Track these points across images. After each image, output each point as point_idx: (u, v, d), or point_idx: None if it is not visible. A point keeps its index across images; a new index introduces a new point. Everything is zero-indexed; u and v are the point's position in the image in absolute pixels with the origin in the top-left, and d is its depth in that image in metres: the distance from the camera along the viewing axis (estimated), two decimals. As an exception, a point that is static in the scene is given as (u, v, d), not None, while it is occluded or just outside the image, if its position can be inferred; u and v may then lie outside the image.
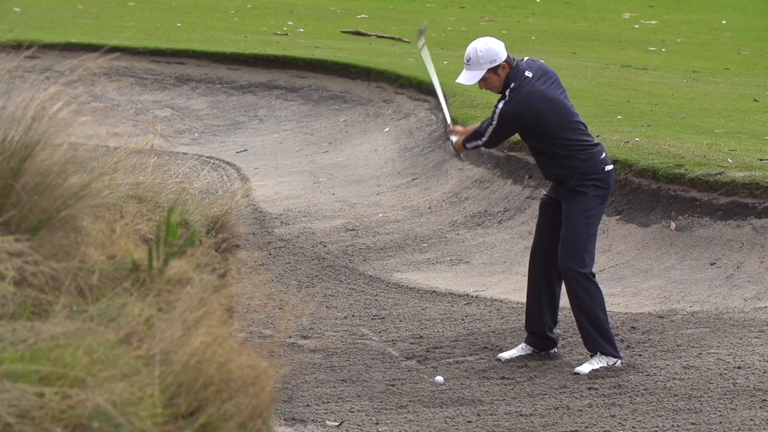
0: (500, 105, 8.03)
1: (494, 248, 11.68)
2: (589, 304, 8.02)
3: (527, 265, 8.55)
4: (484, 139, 8.10)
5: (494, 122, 8.03)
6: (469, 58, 8.00)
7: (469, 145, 8.23)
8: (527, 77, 8.00)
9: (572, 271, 8.02)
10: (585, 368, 8.02)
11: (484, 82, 8.05)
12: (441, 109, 8.53)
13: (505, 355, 8.36)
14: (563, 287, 8.28)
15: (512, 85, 7.99)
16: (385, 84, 18.58)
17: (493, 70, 7.98)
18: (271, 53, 21.01)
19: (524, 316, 8.48)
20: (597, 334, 8.04)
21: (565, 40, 26.07)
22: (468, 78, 8.03)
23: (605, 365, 8.02)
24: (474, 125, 8.32)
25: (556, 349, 8.40)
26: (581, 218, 8.04)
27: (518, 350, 8.39)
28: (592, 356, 8.09)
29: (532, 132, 8.13)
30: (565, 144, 8.05)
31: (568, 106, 8.09)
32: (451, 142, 8.31)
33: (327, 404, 7.44)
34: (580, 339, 8.48)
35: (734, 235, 10.50)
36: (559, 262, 8.10)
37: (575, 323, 8.27)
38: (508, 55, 8.02)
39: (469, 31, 27.08)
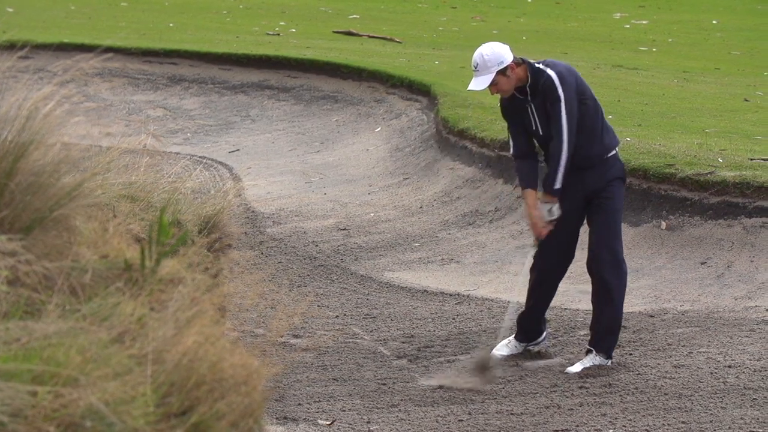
0: (554, 79, 7.85)
1: (485, 247, 11.69)
2: (622, 294, 8.04)
3: (522, 264, 8.52)
4: (565, 135, 7.81)
5: (562, 100, 7.83)
6: (477, 64, 7.88)
7: (555, 179, 7.89)
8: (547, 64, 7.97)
9: (619, 257, 8.05)
10: (576, 368, 8.01)
11: (494, 87, 7.91)
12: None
13: (497, 353, 8.37)
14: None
15: (539, 67, 7.89)
16: (376, 84, 18.59)
17: (501, 72, 7.87)
18: (263, 53, 21.02)
19: (519, 315, 8.40)
20: (612, 335, 8.02)
21: (555, 40, 26.10)
22: (478, 83, 7.89)
23: (596, 364, 8.02)
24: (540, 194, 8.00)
25: (546, 342, 8.35)
26: (620, 205, 8.12)
27: (510, 349, 8.39)
28: (587, 353, 8.08)
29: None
30: (602, 124, 8.08)
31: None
32: (549, 207, 7.98)
33: (319, 403, 7.45)
34: (572, 338, 8.50)
35: (725, 235, 10.52)
36: (602, 248, 8.03)
37: (571, 322, 8.25)
38: (514, 56, 7.96)
39: (461, 32, 27.12)
